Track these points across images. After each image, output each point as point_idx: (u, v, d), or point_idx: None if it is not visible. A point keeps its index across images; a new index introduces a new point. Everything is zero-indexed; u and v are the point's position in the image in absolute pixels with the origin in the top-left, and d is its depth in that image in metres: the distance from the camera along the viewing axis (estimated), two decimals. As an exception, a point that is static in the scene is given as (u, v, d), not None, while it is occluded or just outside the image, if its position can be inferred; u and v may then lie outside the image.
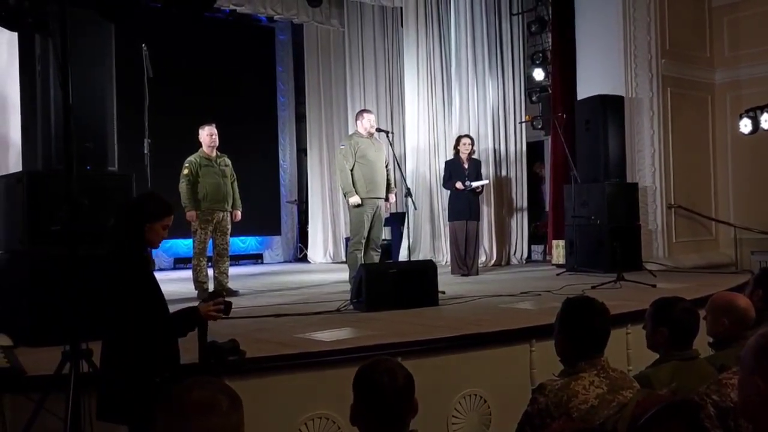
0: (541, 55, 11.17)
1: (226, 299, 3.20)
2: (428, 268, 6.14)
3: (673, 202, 9.43)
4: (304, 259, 12.99)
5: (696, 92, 9.98)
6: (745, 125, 9.41)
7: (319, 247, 12.61)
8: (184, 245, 10.84)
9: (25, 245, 4.31)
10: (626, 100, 9.20)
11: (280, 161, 13.49)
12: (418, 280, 5.99)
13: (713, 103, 10.21)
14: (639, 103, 9.30)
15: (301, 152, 13.65)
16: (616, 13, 9.26)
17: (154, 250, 3.44)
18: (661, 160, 9.30)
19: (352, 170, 7.27)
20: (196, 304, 3.30)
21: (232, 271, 7.78)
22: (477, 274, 8.83)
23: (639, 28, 9.27)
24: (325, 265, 12.04)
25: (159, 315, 3.05)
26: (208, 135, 7.35)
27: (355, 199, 7.20)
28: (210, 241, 7.29)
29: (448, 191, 9.02)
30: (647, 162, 9.30)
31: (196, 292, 7.06)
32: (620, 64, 9.27)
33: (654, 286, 6.71)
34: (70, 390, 2.98)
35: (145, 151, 5.75)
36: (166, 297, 3.19)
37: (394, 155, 7.56)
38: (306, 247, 13.04)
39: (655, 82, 9.33)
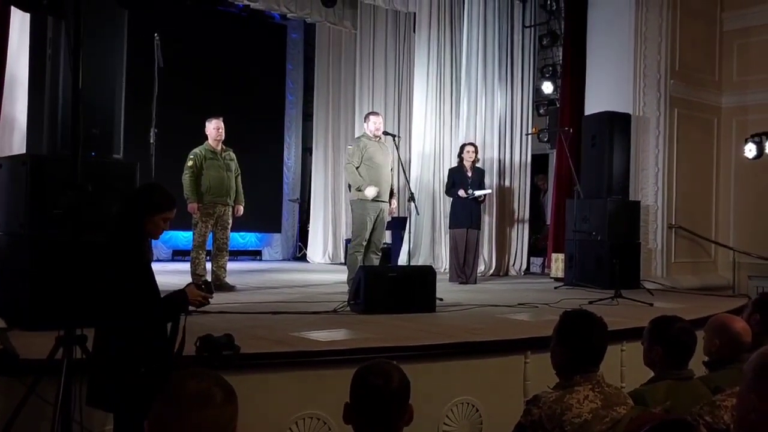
0: (551, 68, 11.19)
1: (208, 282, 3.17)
2: (428, 273, 6.13)
3: (674, 222, 9.43)
4: (302, 258, 12.98)
5: (703, 114, 10.00)
6: (750, 150, 9.48)
7: (318, 247, 12.61)
8: (183, 237, 10.83)
9: (26, 228, 4.30)
10: (633, 118, 9.19)
11: (285, 159, 13.50)
12: (417, 285, 5.97)
13: (719, 126, 10.22)
14: (646, 122, 9.30)
15: (307, 151, 13.66)
16: (628, 31, 9.25)
17: (153, 241, 3.40)
18: (664, 179, 9.31)
19: (357, 169, 7.25)
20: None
21: (230, 266, 7.78)
22: (475, 282, 8.82)
23: (650, 48, 9.27)
24: (324, 265, 12.04)
25: (148, 305, 3.02)
26: (214, 128, 7.36)
27: (370, 191, 7.13)
28: (210, 235, 7.28)
29: (451, 198, 9.03)
30: (650, 181, 9.30)
31: (193, 285, 7.04)
32: (629, 82, 9.27)
33: (651, 304, 6.70)
34: (62, 375, 2.97)
35: (151, 141, 5.77)
36: (163, 288, 3.17)
37: (400, 159, 7.53)
38: (305, 246, 13.03)
39: (663, 102, 9.34)
